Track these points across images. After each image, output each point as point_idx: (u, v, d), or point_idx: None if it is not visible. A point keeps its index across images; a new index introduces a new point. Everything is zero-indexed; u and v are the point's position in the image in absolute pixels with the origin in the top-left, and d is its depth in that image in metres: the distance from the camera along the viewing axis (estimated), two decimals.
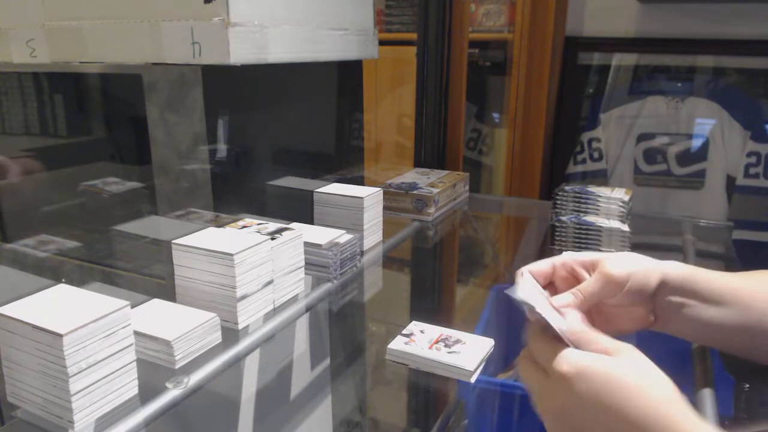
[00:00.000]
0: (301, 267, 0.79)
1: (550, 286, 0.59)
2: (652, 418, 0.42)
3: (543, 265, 0.58)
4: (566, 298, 0.54)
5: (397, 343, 0.73)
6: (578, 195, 1.14)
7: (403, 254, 1.19)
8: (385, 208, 1.02)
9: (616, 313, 0.58)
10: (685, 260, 1.10)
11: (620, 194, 1.14)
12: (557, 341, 0.48)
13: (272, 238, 0.73)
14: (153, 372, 0.60)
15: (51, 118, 1.02)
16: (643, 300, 0.57)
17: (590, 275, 0.57)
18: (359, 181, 1.22)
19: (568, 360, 0.46)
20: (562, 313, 0.51)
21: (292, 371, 0.89)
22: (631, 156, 1.89)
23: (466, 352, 0.71)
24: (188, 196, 0.87)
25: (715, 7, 1.74)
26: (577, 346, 0.48)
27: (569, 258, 0.58)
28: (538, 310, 0.49)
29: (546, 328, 0.49)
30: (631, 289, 0.55)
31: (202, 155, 0.84)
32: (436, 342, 0.73)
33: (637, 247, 1.09)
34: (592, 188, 1.17)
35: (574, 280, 0.58)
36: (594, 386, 0.44)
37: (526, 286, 0.53)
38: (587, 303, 0.54)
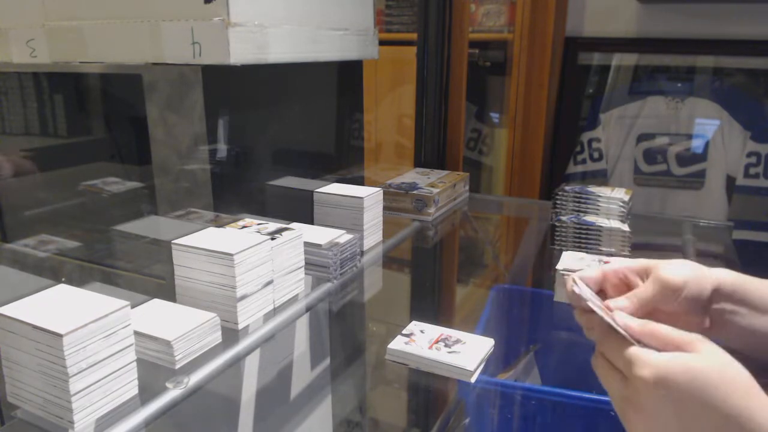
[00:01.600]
0: (301, 267, 0.79)
1: (600, 294, 0.58)
2: (737, 414, 0.42)
3: (593, 273, 0.58)
4: (621, 302, 0.54)
5: (397, 343, 0.73)
6: (578, 195, 1.14)
7: (403, 254, 1.19)
8: (385, 208, 1.02)
9: (670, 321, 0.55)
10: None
11: (620, 194, 1.14)
12: (627, 342, 0.47)
13: (272, 238, 0.73)
14: (153, 372, 0.60)
15: (51, 118, 1.02)
16: (698, 307, 0.56)
17: (643, 282, 0.56)
18: (359, 181, 1.22)
19: (647, 364, 0.45)
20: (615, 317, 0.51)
21: (292, 371, 0.89)
22: (631, 156, 1.89)
23: (466, 352, 0.71)
24: (188, 196, 0.87)
25: (715, 7, 1.74)
26: (643, 343, 0.47)
27: (620, 264, 0.58)
28: (597, 310, 0.49)
29: (609, 329, 0.49)
30: (687, 296, 0.54)
31: (202, 155, 0.84)
32: (436, 342, 0.73)
33: (637, 247, 1.09)
34: (592, 188, 1.16)
35: (626, 287, 0.57)
36: (678, 390, 0.43)
37: (582, 290, 0.53)
38: (643, 309, 0.54)
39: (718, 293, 0.56)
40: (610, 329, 0.49)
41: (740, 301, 0.56)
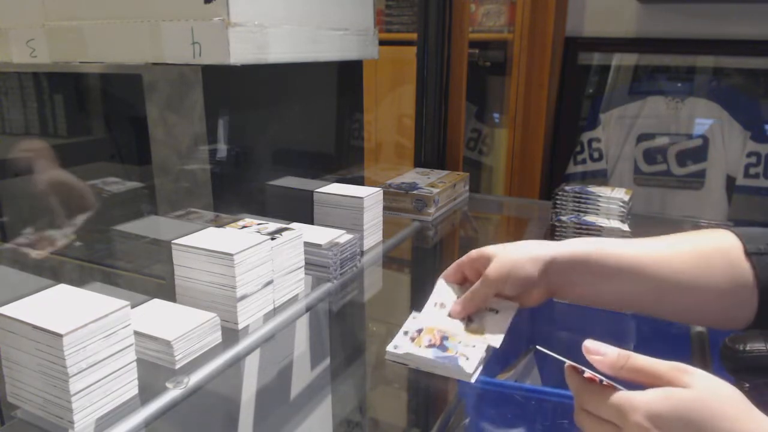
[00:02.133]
0: (301, 267, 0.79)
1: (467, 283, 0.68)
2: None
3: (453, 272, 0.69)
4: (455, 308, 0.66)
5: (396, 342, 0.73)
6: (578, 195, 1.14)
7: (403, 254, 1.19)
8: (385, 208, 1.02)
9: (516, 296, 0.64)
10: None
11: (620, 194, 1.14)
12: (608, 390, 0.45)
13: (272, 238, 0.73)
14: (153, 372, 0.60)
15: (51, 118, 1.02)
16: (533, 284, 0.62)
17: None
18: (359, 181, 1.22)
19: (638, 408, 0.43)
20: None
21: (292, 371, 0.89)
22: (631, 156, 1.89)
23: (467, 352, 0.71)
24: (188, 196, 0.86)
25: (715, 7, 1.74)
26: (626, 380, 0.46)
27: (468, 256, 0.66)
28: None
29: (586, 382, 0.48)
30: (514, 282, 0.61)
31: (202, 155, 0.84)
32: (435, 338, 0.73)
33: None
34: (592, 188, 1.16)
35: (479, 274, 0.65)
36: (675, 427, 0.42)
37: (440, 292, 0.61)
38: (480, 302, 0.64)
39: (553, 267, 0.61)
40: (586, 382, 0.47)
41: (580, 271, 0.61)
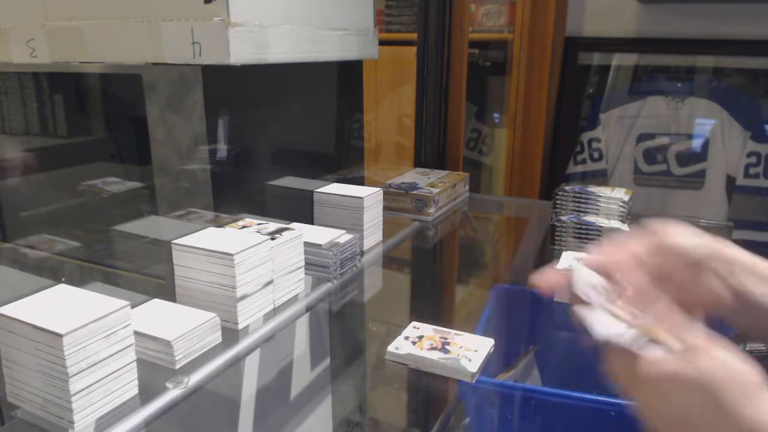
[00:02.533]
0: (301, 267, 0.79)
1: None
2: (737, 414, 0.41)
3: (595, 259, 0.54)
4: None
5: (397, 344, 0.73)
6: (578, 195, 1.14)
7: (403, 254, 1.19)
8: (385, 208, 1.02)
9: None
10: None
11: (620, 194, 1.14)
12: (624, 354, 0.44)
13: (272, 238, 0.73)
14: (153, 372, 0.60)
15: (51, 118, 1.02)
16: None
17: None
18: (359, 181, 1.22)
19: (656, 365, 0.43)
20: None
21: (292, 371, 0.89)
22: (631, 156, 1.89)
23: (466, 352, 0.71)
24: (188, 196, 0.86)
25: (715, 7, 1.74)
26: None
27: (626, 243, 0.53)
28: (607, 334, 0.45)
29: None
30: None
31: (202, 155, 0.84)
32: (437, 342, 0.73)
33: None
34: (592, 188, 1.16)
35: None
36: (684, 385, 0.42)
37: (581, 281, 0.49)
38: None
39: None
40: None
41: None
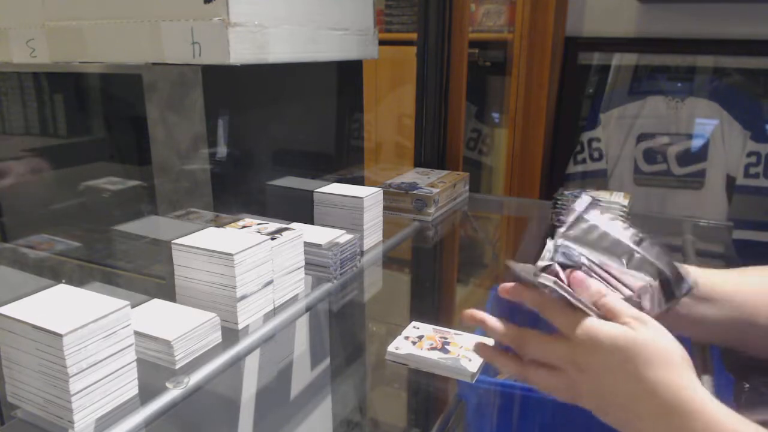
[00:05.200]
0: (301, 267, 0.79)
1: None
2: (652, 384, 0.48)
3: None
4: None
5: (397, 344, 0.73)
6: (578, 198, 1.14)
7: (403, 254, 1.19)
8: (385, 208, 1.02)
9: None
10: (685, 260, 1.10)
11: (619, 198, 1.14)
12: (570, 308, 0.53)
13: (272, 238, 0.73)
14: (153, 372, 0.60)
15: (51, 118, 1.02)
16: None
17: None
18: (359, 181, 1.22)
19: (583, 327, 0.51)
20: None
21: (292, 371, 0.89)
22: (631, 156, 1.89)
23: (466, 352, 0.71)
24: (188, 196, 0.86)
25: (715, 7, 1.74)
26: (596, 311, 0.52)
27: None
28: (556, 287, 0.53)
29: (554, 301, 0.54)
30: None
31: (202, 155, 0.84)
32: (437, 342, 0.73)
33: None
34: (591, 192, 1.17)
35: None
36: (604, 353, 0.50)
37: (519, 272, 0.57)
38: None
39: None
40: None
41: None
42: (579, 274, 0.54)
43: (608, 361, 0.49)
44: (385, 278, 1.05)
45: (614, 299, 0.53)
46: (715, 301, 0.61)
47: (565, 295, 0.52)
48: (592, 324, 0.51)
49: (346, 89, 1.16)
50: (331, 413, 1.01)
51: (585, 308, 0.52)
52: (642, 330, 0.50)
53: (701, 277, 0.60)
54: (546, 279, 0.53)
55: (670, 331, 0.61)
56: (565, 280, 0.54)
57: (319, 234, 0.85)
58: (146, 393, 0.57)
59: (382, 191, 0.99)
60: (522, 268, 0.56)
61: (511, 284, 0.58)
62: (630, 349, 0.48)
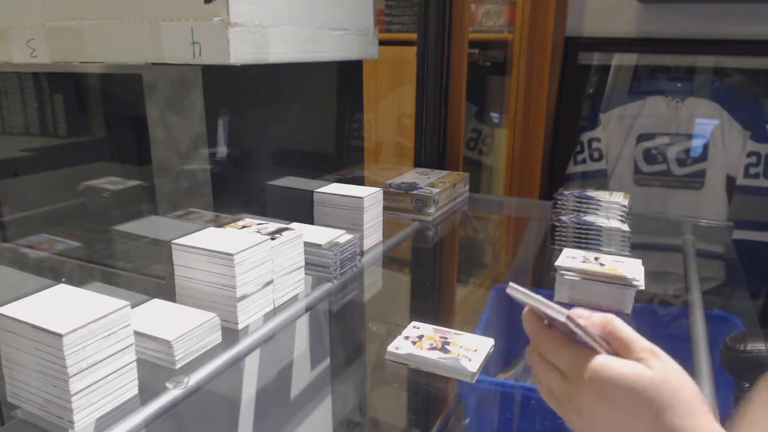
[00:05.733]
0: (301, 267, 0.79)
1: None
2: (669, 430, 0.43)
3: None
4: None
5: (397, 344, 0.73)
6: (577, 198, 1.15)
7: (403, 254, 1.19)
8: (385, 208, 1.02)
9: None
10: (685, 260, 1.10)
11: (619, 198, 1.14)
12: (566, 340, 0.48)
13: (272, 238, 0.73)
14: (153, 372, 0.60)
15: (51, 118, 1.02)
16: None
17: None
18: (359, 181, 1.22)
19: (591, 369, 0.45)
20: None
21: (292, 371, 0.89)
22: (631, 156, 1.89)
23: (466, 352, 0.71)
24: (188, 196, 0.86)
25: (715, 7, 1.74)
26: (601, 342, 0.47)
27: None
28: (547, 309, 0.47)
29: (547, 327, 0.49)
30: None
31: (202, 155, 0.84)
32: (437, 342, 0.73)
33: (637, 247, 1.09)
34: (591, 192, 1.17)
35: None
36: (614, 394, 0.44)
37: (519, 297, 0.51)
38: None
39: None
40: (547, 329, 0.49)
41: None
42: (578, 309, 0.49)
43: (619, 404, 0.44)
44: (385, 278, 1.05)
45: (625, 327, 0.47)
46: None
47: (577, 330, 0.46)
48: (604, 363, 0.45)
49: (346, 89, 1.16)
50: (331, 413, 1.01)
51: (595, 344, 0.46)
52: (658, 366, 0.44)
53: None
54: (558, 313, 0.46)
55: None
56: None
57: (319, 234, 0.85)
58: (146, 393, 0.57)
59: (382, 191, 0.99)
60: (525, 295, 0.49)
61: (528, 310, 0.51)
62: (646, 392, 0.43)
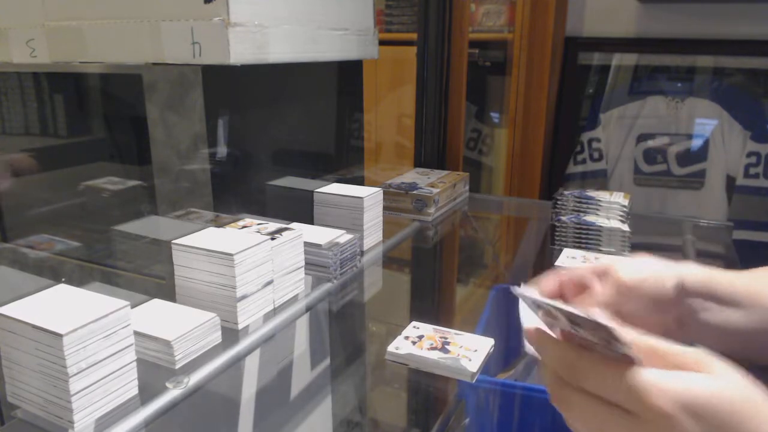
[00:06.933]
0: (301, 267, 0.79)
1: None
2: None
3: (548, 282, 0.53)
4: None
5: (397, 344, 0.73)
6: (577, 199, 1.15)
7: (403, 254, 1.19)
8: (385, 208, 1.02)
9: (635, 324, 0.45)
10: (685, 261, 1.09)
11: (619, 198, 1.14)
12: (618, 365, 0.36)
13: (272, 238, 0.73)
14: (153, 372, 0.60)
15: (51, 118, 1.02)
16: (662, 307, 0.52)
17: (601, 285, 0.53)
18: (359, 181, 1.22)
19: (664, 391, 0.34)
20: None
21: (292, 371, 0.89)
22: (631, 156, 1.89)
23: (466, 352, 0.71)
24: (188, 196, 0.86)
25: (715, 7, 1.74)
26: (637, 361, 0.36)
27: (574, 269, 0.54)
28: (579, 312, 0.36)
29: (582, 353, 0.38)
30: (646, 295, 0.51)
31: (202, 155, 0.84)
32: (437, 342, 0.73)
33: (637, 247, 1.09)
34: (591, 192, 1.17)
35: (585, 294, 0.54)
36: (707, 420, 0.34)
37: (529, 301, 0.42)
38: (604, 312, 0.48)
39: (685, 290, 0.52)
40: (580, 349, 0.38)
41: (708, 296, 0.53)
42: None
43: (710, 428, 0.34)
44: (385, 278, 1.05)
45: (653, 338, 0.38)
46: (742, 306, 0.52)
47: (594, 317, 0.35)
48: (673, 383, 0.35)
49: (346, 89, 1.16)
50: (331, 413, 1.01)
51: (628, 351, 0.35)
52: (724, 376, 0.36)
53: (726, 280, 0.53)
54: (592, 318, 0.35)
55: (695, 341, 0.52)
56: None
57: (319, 234, 0.85)
58: (146, 393, 0.57)
59: (382, 191, 0.99)
60: (532, 297, 0.40)
61: (534, 328, 0.42)
62: (724, 406, 0.34)
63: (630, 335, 0.36)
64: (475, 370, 0.68)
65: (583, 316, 0.35)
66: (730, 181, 1.79)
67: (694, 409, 0.34)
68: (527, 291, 0.41)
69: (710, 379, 0.35)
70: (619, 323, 0.36)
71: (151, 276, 0.86)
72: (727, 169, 1.79)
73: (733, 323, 0.52)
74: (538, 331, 0.41)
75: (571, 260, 0.93)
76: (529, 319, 0.43)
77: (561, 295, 0.54)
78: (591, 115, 1.93)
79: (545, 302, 0.38)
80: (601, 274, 0.53)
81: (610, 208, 1.13)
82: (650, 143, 1.86)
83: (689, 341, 0.51)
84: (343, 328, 1.05)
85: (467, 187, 1.40)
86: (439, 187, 1.22)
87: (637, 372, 0.35)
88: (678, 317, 0.53)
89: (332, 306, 0.88)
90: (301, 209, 0.98)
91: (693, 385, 0.35)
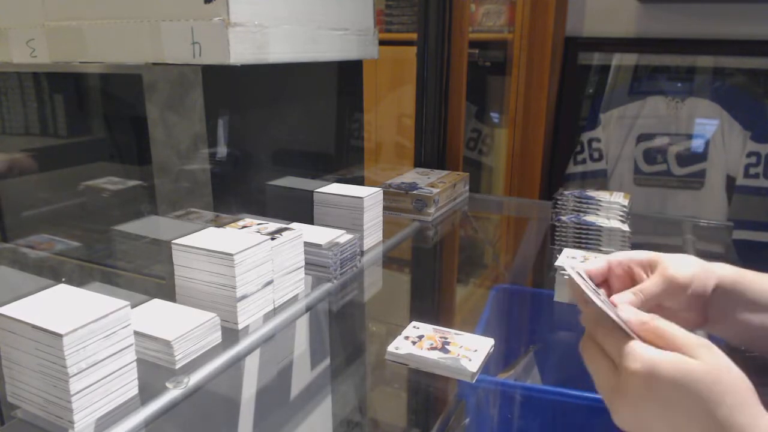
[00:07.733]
0: (301, 267, 0.79)
1: (605, 285, 0.58)
2: (725, 426, 0.41)
3: (598, 264, 0.58)
4: (626, 296, 0.53)
5: (397, 344, 0.73)
6: (577, 199, 1.15)
7: (403, 254, 1.19)
8: (385, 208, 1.02)
9: (669, 316, 0.52)
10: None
11: (619, 198, 1.14)
12: (624, 333, 0.46)
13: (272, 238, 0.73)
14: (153, 372, 0.60)
15: (51, 118, 1.02)
16: (699, 303, 0.56)
17: (647, 275, 0.56)
18: (359, 181, 1.22)
19: (640, 357, 0.43)
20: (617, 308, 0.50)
21: (292, 371, 0.89)
22: (631, 156, 1.89)
23: (466, 352, 0.71)
24: (188, 196, 0.86)
25: (715, 7, 1.74)
26: (644, 339, 0.46)
27: (625, 256, 0.58)
28: (597, 301, 0.48)
29: (605, 319, 0.48)
30: (692, 293, 0.54)
31: (202, 155, 0.84)
32: (437, 342, 0.73)
33: (636, 247, 1.09)
34: (591, 192, 1.17)
35: (630, 280, 0.57)
36: (666, 388, 0.42)
37: (581, 282, 0.51)
38: (648, 304, 0.53)
39: (719, 288, 0.55)
40: (606, 317, 0.48)
41: (739, 295, 0.55)
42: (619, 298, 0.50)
43: (668, 398, 0.42)
44: (385, 278, 1.05)
45: (664, 321, 0.46)
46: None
47: (604, 308, 0.47)
48: (647, 354, 0.44)
49: (346, 89, 1.16)
50: (331, 413, 1.01)
51: (626, 329, 0.46)
52: (709, 359, 0.42)
53: (756, 281, 0.55)
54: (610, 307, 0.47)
55: (720, 336, 0.56)
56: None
57: (319, 234, 0.85)
58: (146, 393, 0.57)
59: (382, 191, 0.99)
60: (582, 273, 0.51)
61: (582, 291, 0.50)
62: (692, 384, 0.41)
63: (640, 316, 0.47)
64: (475, 370, 0.68)
65: (605, 311, 0.47)
66: (730, 181, 1.79)
67: (657, 377, 0.42)
68: (579, 267, 0.51)
69: (684, 358, 0.42)
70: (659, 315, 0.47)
71: (151, 276, 0.86)
72: (727, 169, 1.79)
73: (759, 323, 0.55)
74: (584, 294, 0.50)
75: (571, 260, 0.93)
76: (576, 283, 0.52)
77: (607, 280, 0.58)
78: (591, 115, 1.93)
79: (585, 282, 0.50)
80: (648, 266, 0.57)
81: (610, 208, 1.13)
82: (650, 143, 1.86)
83: (717, 336, 0.56)
84: (343, 328, 1.05)
85: (467, 187, 1.40)
86: (439, 187, 1.22)
87: (629, 340, 0.45)
88: (710, 313, 0.56)
89: (332, 306, 0.88)
90: (301, 209, 0.98)
91: (664, 358, 0.43)
